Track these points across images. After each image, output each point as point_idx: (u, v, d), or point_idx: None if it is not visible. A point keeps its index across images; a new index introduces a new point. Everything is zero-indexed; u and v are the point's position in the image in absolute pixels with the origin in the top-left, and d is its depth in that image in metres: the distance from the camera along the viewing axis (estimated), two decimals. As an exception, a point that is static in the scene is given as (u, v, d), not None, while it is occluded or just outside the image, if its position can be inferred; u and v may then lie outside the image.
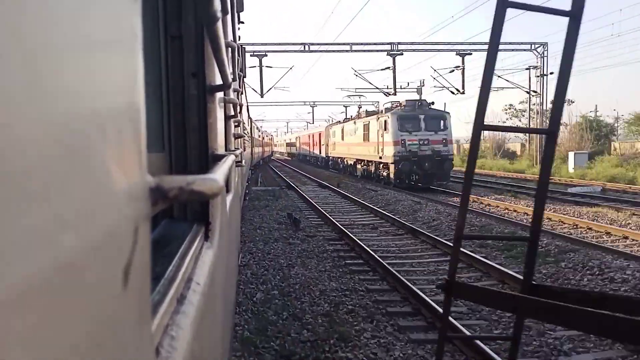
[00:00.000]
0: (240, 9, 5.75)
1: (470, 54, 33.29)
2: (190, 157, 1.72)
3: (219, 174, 1.16)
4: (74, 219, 0.35)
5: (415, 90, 36.86)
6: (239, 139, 4.76)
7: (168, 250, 1.14)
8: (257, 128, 46.35)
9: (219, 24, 1.39)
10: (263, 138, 58.64)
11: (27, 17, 0.30)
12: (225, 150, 2.48)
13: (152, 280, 0.63)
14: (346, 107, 59.52)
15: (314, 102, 63.04)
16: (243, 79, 8.85)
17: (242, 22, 7.21)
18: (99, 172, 0.41)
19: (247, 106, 21.67)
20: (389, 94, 34.65)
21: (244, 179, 14.65)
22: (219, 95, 2.02)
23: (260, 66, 32.18)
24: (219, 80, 1.91)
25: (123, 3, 0.50)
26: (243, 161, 5.31)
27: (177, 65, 1.68)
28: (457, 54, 33.67)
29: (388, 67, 34.16)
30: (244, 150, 11.71)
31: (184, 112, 1.70)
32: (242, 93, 6.71)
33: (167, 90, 1.65)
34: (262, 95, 32.54)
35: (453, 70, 34.72)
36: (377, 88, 37.05)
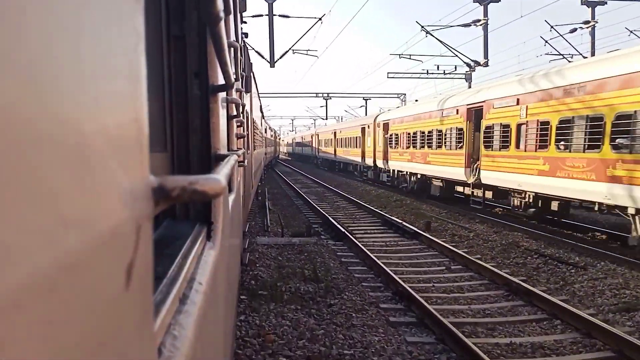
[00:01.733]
0: (243, 9, 5.76)
1: (605, 3, 21.55)
2: (193, 157, 1.72)
3: (222, 174, 1.17)
4: (76, 219, 0.35)
5: (464, 76, 29.06)
6: (243, 139, 4.77)
7: (170, 250, 1.14)
8: (270, 127, 46.17)
9: (222, 24, 1.39)
10: (275, 138, 59.36)
11: (29, 17, 0.30)
12: (228, 150, 2.48)
13: (154, 280, 0.63)
14: (366, 99, 50.52)
15: (328, 93, 51.47)
16: (252, 76, 8.86)
17: (245, 22, 7.23)
18: (101, 171, 0.41)
19: (261, 105, 20.37)
20: (476, 66, 22.05)
21: (255, 178, 14.31)
22: (222, 95, 2.02)
23: (271, 15, 19.22)
24: (221, 80, 1.91)
25: (126, 3, 0.50)
26: (245, 161, 5.32)
27: (180, 65, 1.68)
28: (582, 3, 21.80)
29: (475, 22, 21.08)
30: (254, 149, 11.73)
31: (187, 112, 1.70)
32: (248, 92, 6.72)
33: (169, 90, 1.66)
34: (272, 64, 20.25)
35: (575, 29, 22.68)
36: (456, 52, 22.53)
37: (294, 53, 23.49)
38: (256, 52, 19.75)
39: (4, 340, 0.26)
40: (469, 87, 25.85)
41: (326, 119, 58.24)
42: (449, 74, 31.55)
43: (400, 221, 13.45)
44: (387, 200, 19.92)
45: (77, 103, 0.37)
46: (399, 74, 34.27)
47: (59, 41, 0.34)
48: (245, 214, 8.93)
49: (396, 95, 47.97)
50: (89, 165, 0.39)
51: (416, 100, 26.90)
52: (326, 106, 54.35)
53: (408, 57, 29.12)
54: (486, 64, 21.91)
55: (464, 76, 29.76)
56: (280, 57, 20.65)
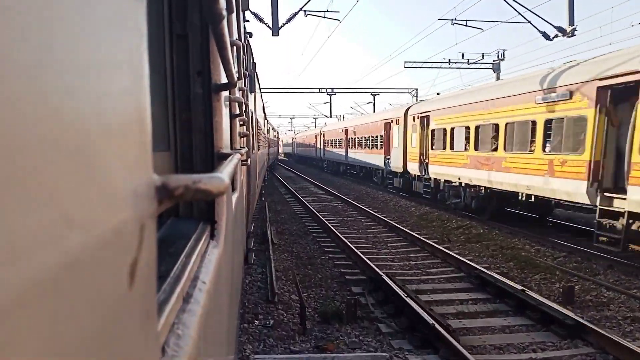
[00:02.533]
0: (246, 7, 5.76)
1: None
2: (196, 156, 1.72)
3: (225, 172, 1.16)
4: (80, 218, 0.35)
5: (491, 66, 25.90)
6: (247, 138, 4.78)
7: (174, 249, 1.14)
8: (273, 128, 44.22)
9: (225, 22, 1.39)
10: (278, 138, 55.09)
11: (31, 16, 0.30)
12: (231, 149, 2.49)
13: (158, 279, 0.63)
14: (374, 95, 44.37)
15: (332, 88, 44.18)
16: (255, 76, 8.85)
17: (247, 21, 7.23)
18: (104, 171, 0.41)
19: (263, 106, 20.27)
20: (557, 35, 15.45)
21: (259, 178, 13.98)
22: (225, 94, 2.02)
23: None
24: (224, 79, 1.91)
25: (128, 2, 0.50)
26: (249, 160, 5.33)
27: (183, 64, 1.68)
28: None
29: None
30: (258, 150, 11.67)
31: (190, 110, 1.70)
32: (252, 92, 6.72)
33: (172, 89, 1.66)
34: (276, 32, 15.23)
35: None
36: (532, 14, 15.90)
37: (306, 15, 17.53)
38: (254, 15, 15.14)
39: (8, 339, 0.26)
40: (497, 78, 22.28)
41: (330, 116, 50.34)
42: (474, 63, 27.66)
43: (512, 284, 7.11)
44: (441, 224, 13.56)
45: (79, 102, 0.36)
46: (417, 62, 29.85)
47: (61, 40, 0.34)
48: (250, 214, 8.94)
49: (407, 91, 42.45)
50: (92, 164, 0.39)
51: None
52: (330, 102, 46.79)
53: (463, 23, 21.82)
54: (573, 33, 15.43)
55: (491, 66, 26.40)
56: (287, 22, 15.80)
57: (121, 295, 0.45)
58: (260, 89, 13.83)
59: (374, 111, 37.79)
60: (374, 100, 45.59)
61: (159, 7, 1.55)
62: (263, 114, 18.86)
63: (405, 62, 29.89)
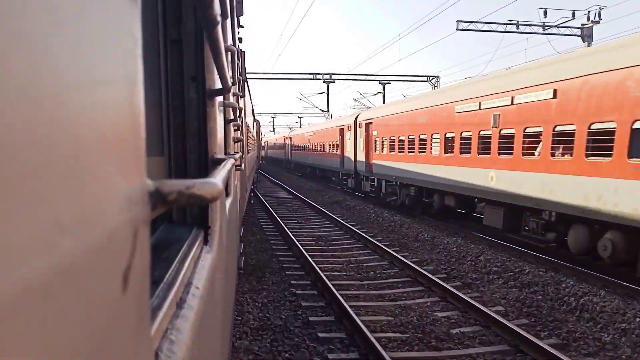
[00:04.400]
0: (240, 13, 5.77)
1: None
2: (190, 161, 1.72)
3: (219, 178, 1.17)
4: (73, 223, 0.35)
5: (579, 31, 17.85)
6: (240, 142, 4.78)
7: (167, 254, 1.14)
8: (261, 131, 43.60)
9: (219, 28, 1.39)
10: (263, 140, 55.37)
11: (27, 21, 0.30)
12: (225, 154, 2.48)
13: (151, 284, 0.63)
14: (384, 84, 35.22)
15: (330, 74, 34.71)
16: (245, 82, 8.87)
17: (242, 26, 7.24)
18: (98, 176, 0.41)
19: (253, 109, 20.59)
20: None
21: (249, 181, 14.01)
22: (219, 99, 2.02)
23: None
24: (218, 84, 1.91)
25: (123, 7, 0.50)
26: (242, 165, 5.32)
27: (177, 69, 1.68)
28: None
29: None
30: (248, 153, 11.69)
31: (184, 116, 1.70)
32: (242, 96, 6.73)
33: (166, 94, 1.66)
34: None
35: None
36: None
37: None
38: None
39: (1, 344, 0.26)
40: (588, 43, 16.12)
41: (327, 110, 39.96)
42: (550, 27, 19.23)
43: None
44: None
45: (74, 107, 0.37)
46: (473, 23, 22.55)
47: (56, 46, 0.34)
48: (241, 218, 8.90)
49: (426, 78, 33.99)
50: (86, 169, 0.39)
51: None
52: (327, 92, 37.15)
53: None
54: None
55: (579, 32, 18.32)
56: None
57: (114, 301, 0.44)
58: (249, 91, 14.05)
59: (384, 102, 31.36)
60: (384, 90, 35.78)
61: (154, 12, 1.55)
62: (252, 117, 19.03)
63: (457, 21, 23.21)
